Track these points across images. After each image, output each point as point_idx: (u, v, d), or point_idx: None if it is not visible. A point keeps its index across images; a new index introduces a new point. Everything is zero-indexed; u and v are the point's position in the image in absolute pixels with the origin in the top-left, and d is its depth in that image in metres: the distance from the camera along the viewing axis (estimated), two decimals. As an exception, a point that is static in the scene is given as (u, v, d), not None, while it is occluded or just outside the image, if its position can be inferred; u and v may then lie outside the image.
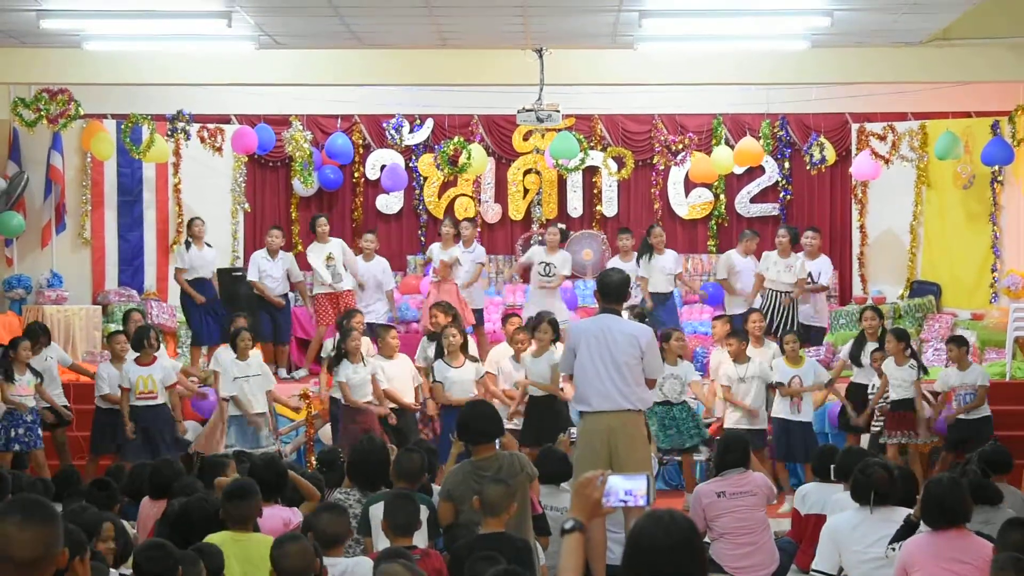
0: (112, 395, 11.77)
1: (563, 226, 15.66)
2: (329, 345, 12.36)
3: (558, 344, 11.15)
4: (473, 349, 12.18)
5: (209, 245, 14.36)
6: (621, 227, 15.59)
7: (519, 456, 7.49)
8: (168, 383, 11.76)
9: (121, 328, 12.92)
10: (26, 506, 3.35)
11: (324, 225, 14.42)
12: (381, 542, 6.71)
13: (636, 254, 14.41)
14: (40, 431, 11.57)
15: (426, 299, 14.17)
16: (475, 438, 7.41)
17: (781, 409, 11.70)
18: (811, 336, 14.16)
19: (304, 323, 15.27)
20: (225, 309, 13.90)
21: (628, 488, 3.97)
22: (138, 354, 11.78)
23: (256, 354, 12.03)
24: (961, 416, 11.71)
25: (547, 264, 14.09)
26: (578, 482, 4.05)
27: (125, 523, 7.04)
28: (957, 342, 12.10)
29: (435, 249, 14.34)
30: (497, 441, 7.67)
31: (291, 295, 15.08)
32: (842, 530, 7.09)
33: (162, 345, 12.38)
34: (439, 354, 11.55)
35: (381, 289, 14.40)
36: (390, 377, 11.57)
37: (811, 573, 7.34)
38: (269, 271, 14.31)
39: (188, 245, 14.19)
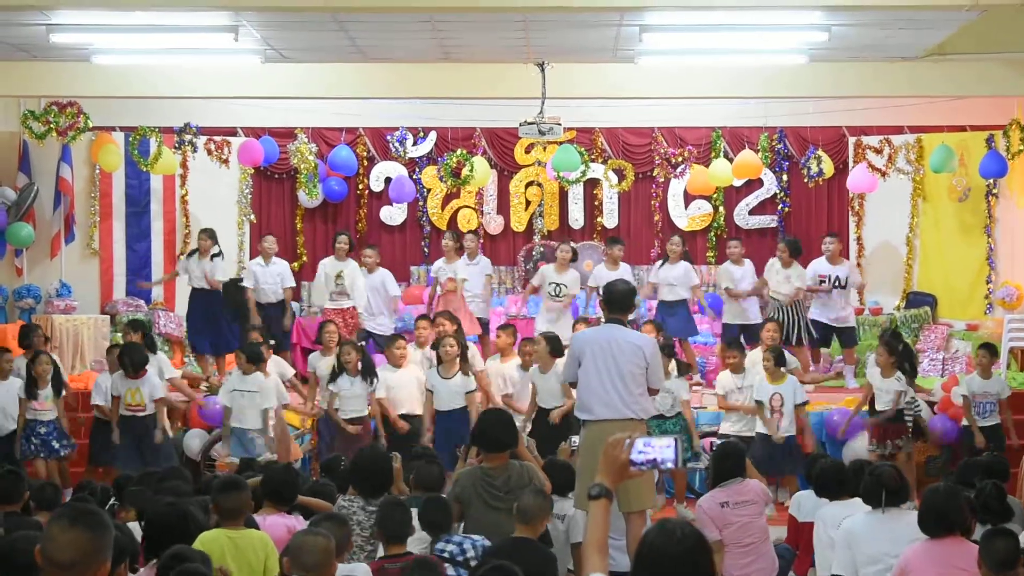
0: (103, 406, 11.80)
1: (574, 244, 15.34)
2: (323, 363, 12.34)
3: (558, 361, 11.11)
4: (477, 359, 12.33)
5: (211, 259, 14.19)
6: (610, 236, 15.64)
7: (528, 467, 7.54)
8: (155, 396, 11.70)
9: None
10: (76, 512, 3.50)
11: (344, 243, 14.36)
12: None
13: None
14: (55, 443, 11.68)
15: (428, 308, 14.35)
16: (489, 446, 7.50)
17: (763, 424, 11.66)
18: (842, 338, 14.28)
19: (309, 332, 15.37)
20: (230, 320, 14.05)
21: (658, 449, 3.88)
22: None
23: (258, 374, 11.54)
24: (978, 424, 11.76)
25: (558, 285, 14.15)
26: (606, 444, 3.97)
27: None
28: (989, 350, 12.08)
29: (441, 268, 14.40)
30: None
31: (293, 304, 15.20)
32: (857, 533, 7.13)
33: (153, 358, 12.12)
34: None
35: (386, 302, 14.41)
36: (396, 385, 11.69)
37: None
38: (263, 277, 14.36)
39: (192, 254, 14.36)
